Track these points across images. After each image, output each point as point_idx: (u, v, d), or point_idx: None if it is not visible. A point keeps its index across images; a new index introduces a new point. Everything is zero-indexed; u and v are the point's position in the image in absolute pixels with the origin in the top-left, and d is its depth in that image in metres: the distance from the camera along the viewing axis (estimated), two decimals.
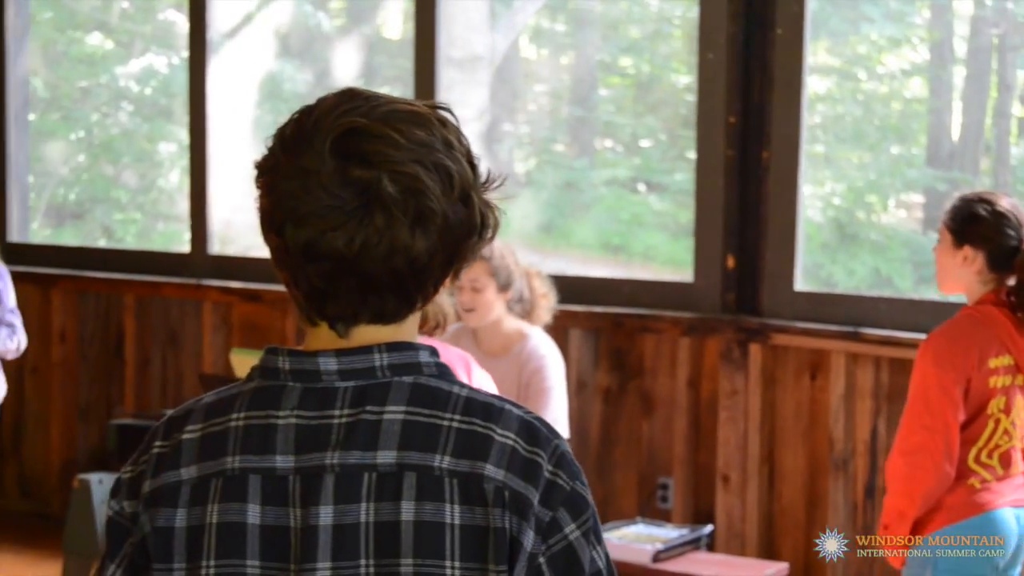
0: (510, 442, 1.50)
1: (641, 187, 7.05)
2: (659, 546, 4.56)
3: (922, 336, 3.71)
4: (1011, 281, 3.55)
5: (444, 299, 3.82)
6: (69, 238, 7.66)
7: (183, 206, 6.79)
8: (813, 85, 5.49)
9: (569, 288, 5.15)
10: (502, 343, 4.55)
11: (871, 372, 4.84)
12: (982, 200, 3.56)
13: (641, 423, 5.30)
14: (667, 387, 5.24)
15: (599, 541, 1.53)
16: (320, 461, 1.49)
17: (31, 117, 7.10)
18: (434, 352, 1.56)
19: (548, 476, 1.50)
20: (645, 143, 7.09)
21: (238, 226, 6.81)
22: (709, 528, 4.85)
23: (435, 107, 1.54)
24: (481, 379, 3.83)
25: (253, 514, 1.49)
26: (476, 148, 1.58)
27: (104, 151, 7.80)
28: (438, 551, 1.46)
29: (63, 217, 7.88)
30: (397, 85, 6.80)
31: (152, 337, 6.32)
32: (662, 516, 5.18)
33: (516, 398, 4.33)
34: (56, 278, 6.55)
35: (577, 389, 5.31)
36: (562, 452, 1.53)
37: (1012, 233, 3.52)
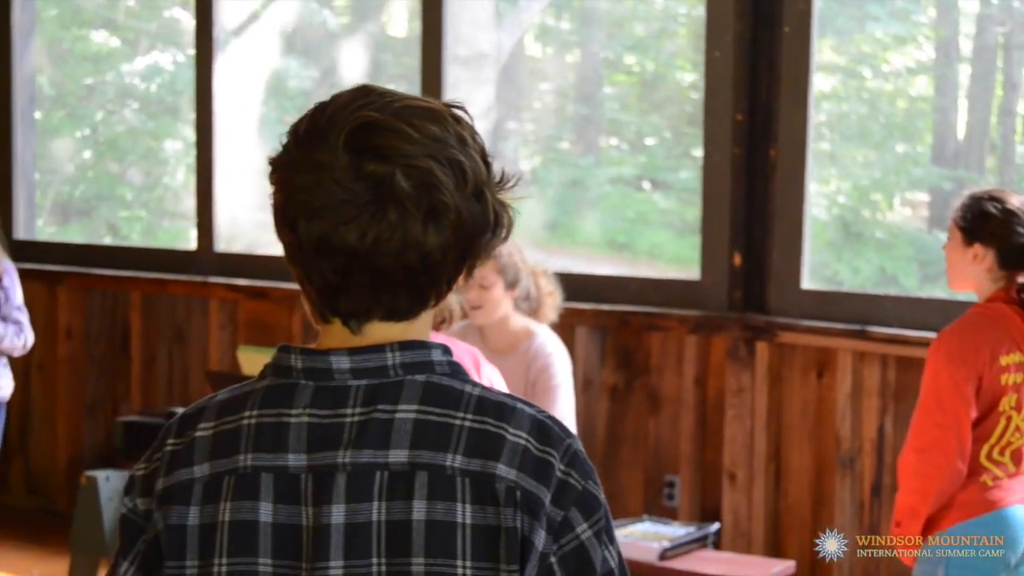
0: (522, 441, 1.49)
1: (646, 185, 7.04)
2: (666, 544, 4.56)
3: (929, 334, 3.71)
4: (1021, 278, 3.54)
5: (451, 295, 3.80)
6: (75, 235, 7.66)
7: (189, 203, 6.79)
8: (818, 83, 5.48)
9: (575, 286, 5.14)
10: (509, 341, 4.54)
11: (878, 370, 4.83)
12: (992, 198, 3.55)
13: (648, 421, 5.30)
14: (674, 385, 5.24)
15: (611, 541, 1.52)
16: (332, 460, 1.49)
17: (37, 115, 7.11)
18: (447, 351, 1.55)
19: (560, 476, 1.49)
20: (650, 141, 7.09)
21: (244, 223, 6.81)
22: (716, 526, 4.85)
23: (449, 104, 1.54)
24: (489, 374, 3.81)
25: (265, 512, 1.49)
26: None
27: (110, 148, 7.80)
28: (450, 550, 1.46)
29: (69, 214, 7.88)
30: (403, 83, 6.79)
31: (158, 334, 6.32)
32: (668, 514, 5.18)
33: (523, 396, 4.32)
34: (62, 275, 6.55)
35: (583, 387, 5.30)
36: (575, 451, 1.52)
37: (1022, 231, 3.52)
